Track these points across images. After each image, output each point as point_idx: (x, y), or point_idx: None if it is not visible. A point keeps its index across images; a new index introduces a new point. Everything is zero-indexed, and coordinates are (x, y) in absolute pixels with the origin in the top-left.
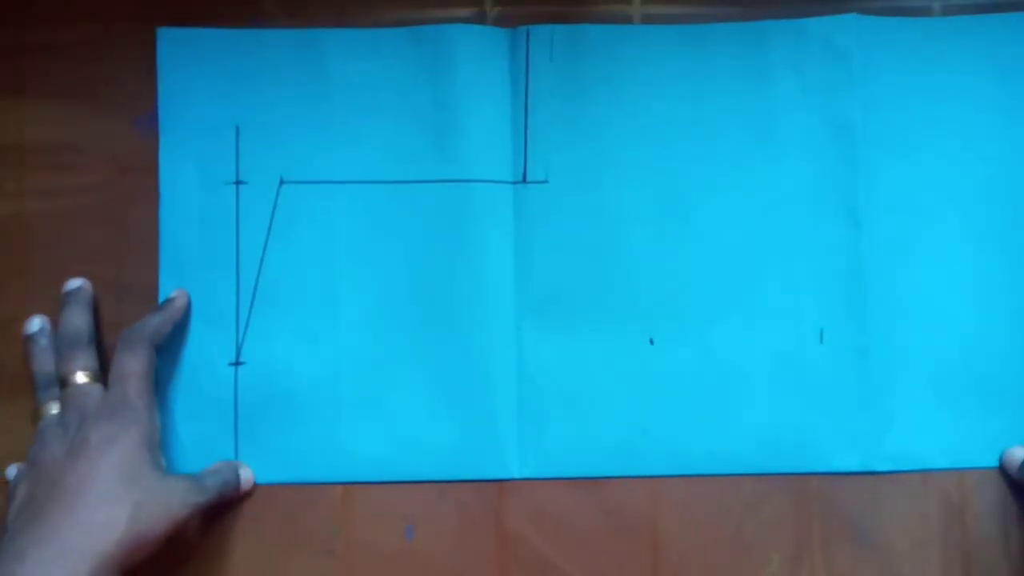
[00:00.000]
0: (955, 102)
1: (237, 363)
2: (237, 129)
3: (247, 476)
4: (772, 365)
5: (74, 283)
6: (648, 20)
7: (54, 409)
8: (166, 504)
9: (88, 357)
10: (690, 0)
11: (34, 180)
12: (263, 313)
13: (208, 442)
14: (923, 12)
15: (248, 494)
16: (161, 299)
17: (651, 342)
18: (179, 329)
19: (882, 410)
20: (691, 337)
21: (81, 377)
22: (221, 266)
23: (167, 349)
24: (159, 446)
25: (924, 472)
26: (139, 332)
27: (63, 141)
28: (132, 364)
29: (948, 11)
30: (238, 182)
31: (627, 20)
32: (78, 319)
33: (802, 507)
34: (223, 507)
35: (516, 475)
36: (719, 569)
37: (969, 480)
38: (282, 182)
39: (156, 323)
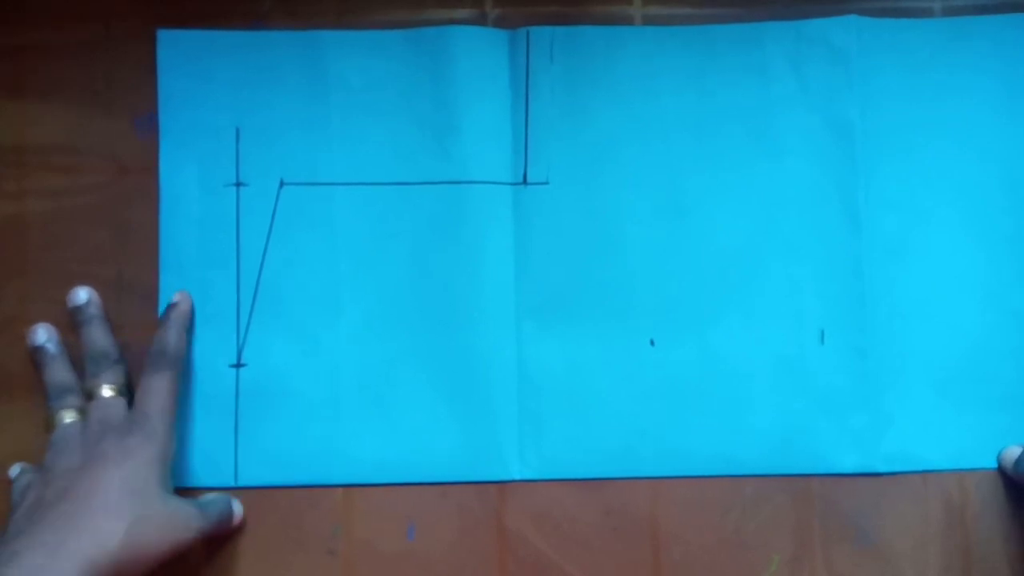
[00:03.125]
0: (956, 102)
1: (238, 365)
2: (237, 131)
3: (239, 510)
4: (772, 366)
5: (82, 296)
6: (649, 21)
7: (68, 418)
8: (168, 524)
9: (115, 372)
10: (691, 1)
11: (34, 180)
12: (264, 315)
13: (209, 444)
14: (924, 13)
15: (236, 526)
16: (161, 301)
17: (651, 343)
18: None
19: (882, 410)
20: (691, 338)
21: (107, 391)
22: (222, 268)
23: None
24: (170, 467)
25: (924, 472)
26: (164, 351)
27: (63, 141)
28: (157, 383)
29: (949, 12)
30: (238, 184)
31: (628, 20)
32: (102, 340)
33: (802, 507)
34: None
35: (517, 476)
36: (719, 569)
37: (969, 481)
38: (282, 184)
39: (175, 338)
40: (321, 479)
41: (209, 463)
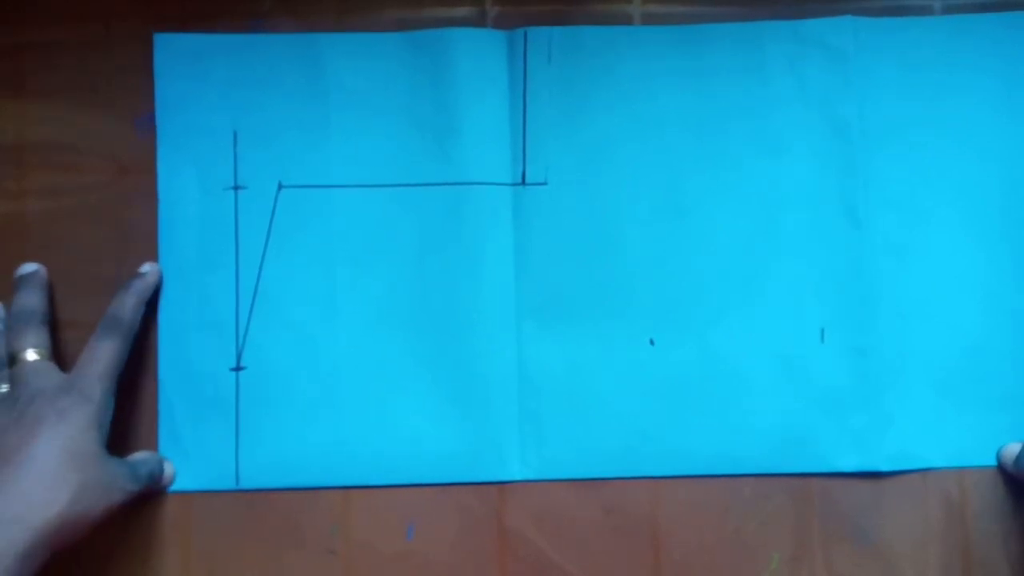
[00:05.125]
0: (955, 101)
1: (238, 368)
2: (235, 134)
3: (169, 470)
4: (772, 365)
5: (29, 267)
6: (648, 20)
7: (3, 387)
8: (106, 489)
9: (39, 335)
10: (690, 0)
11: (34, 180)
12: (263, 318)
13: (210, 447)
14: (924, 11)
15: (166, 486)
16: (160, 303)
17: (651, 343)
18: (180, 335)
19: (882, 410)
20: (691, 337)
21: (32, 354)
22: (221, 271)
23: (168, 354)
24: (107, 428)
25: (924, 472)
26: (117, 317)
27: (63, 141)
28: (104, 346)
29: (949, 10)
30: (237, 187)
31: (627, 19)
32: (31, 299)
33: (802, 507)
34: (148, 497)
35: (517, 477)
36: (719, 569)
37: (969, 479)
38: (281, 187)
39: (132, 306)
40: (322, 480)
41: (210, 466)
